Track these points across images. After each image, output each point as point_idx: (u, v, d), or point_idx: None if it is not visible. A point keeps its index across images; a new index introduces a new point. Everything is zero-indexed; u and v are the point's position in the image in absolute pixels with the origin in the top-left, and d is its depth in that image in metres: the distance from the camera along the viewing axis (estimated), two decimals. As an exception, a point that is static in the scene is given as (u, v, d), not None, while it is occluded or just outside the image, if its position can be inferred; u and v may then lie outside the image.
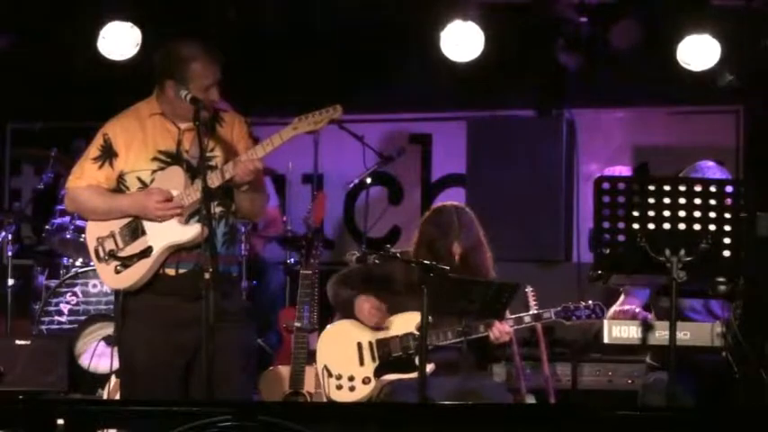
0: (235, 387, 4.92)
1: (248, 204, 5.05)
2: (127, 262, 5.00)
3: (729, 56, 7.54)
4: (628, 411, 3.99)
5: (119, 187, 5.08)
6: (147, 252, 4.97)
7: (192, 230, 4.92)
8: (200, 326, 4.69)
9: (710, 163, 6.12)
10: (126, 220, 5.02)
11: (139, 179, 5.02)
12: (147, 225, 4.99)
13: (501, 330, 5.82)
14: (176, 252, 4.97)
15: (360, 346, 5.96)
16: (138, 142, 5.03)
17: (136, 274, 4.99)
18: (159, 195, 4.94)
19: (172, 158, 5.01)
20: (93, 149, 5.09)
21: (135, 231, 5.00)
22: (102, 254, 5.06)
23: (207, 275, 4.63)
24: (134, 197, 5.01)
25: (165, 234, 4.95)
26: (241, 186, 4.95)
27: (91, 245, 5.10)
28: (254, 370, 5.42)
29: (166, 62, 5.05)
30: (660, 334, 5.45)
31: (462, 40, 7.67)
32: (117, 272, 5.02)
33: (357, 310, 5.92)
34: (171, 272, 4.98)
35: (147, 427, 3.81)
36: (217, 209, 4.97)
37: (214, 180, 4.89)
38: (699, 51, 7.52)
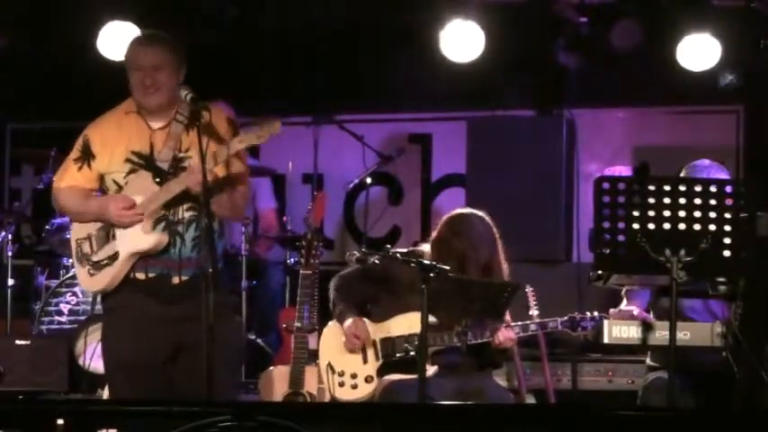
0: (222, 381, 4.82)
1: (217, 209, 4.93)
2: (98, 266, 5.04)
3: (729, 56, 7.54)
4: (628, 411, 3.99)
5: (101, 187, 5.12)
6: (114, 257, 5.00)
7: (153, 238, 4.94)
8: (181, 322, 4.87)
9: (706, 162, 6.12)
10: (101, 224, 5.05)
11: (115, 182, 5.04)
12: (117, 230, 5.01)
13: (505, 336, 5.85)
14: (143, 257, 4.98)
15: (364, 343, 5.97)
16: (112, 142, 5.04)
17: (106, 278, 5.03)
18: (122, 202, 4.95)
19: (144, 161, 5.00)
20: (75, 150, 5.12)
21: (107, 235, 5.03)
22: (79, 255, 5.12)
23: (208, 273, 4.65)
24: (101, 202, 5.04)
25: (130, 241, 4.97)
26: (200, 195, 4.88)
27: (73, 245, 5.17)
28: (237, 364, 5.39)
29: None
30: (660, 334, 5.44)
31: (462, 40, 7.67)
32: (90, 275, 5.08)
33: (344, 328, 5.94)
34: (141, 276, 5.00)
35: (147, 427, 3.81)
36: (186, 213, 4.97)
37: (173, 187, 4.90)
38: (699, 51, 7.51)
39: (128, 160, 5.01)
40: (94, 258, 5.04)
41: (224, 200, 5.00)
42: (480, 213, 6.08)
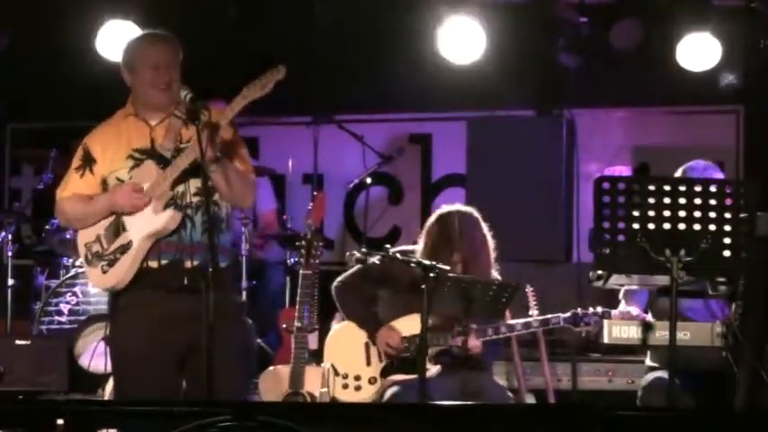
0: (227, 383, 4.85)
1: (224, 186, 4.99)
2: (111, 259, 5.05)
3: (729, 56, 7.54)
4: (628, 411, 3.99)
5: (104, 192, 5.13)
6: (127, 246, 5.02)
7: (163, 217, 4.97)
8: (190, 322, 4.79)
9: (702, 163, 6.13)
10: (108, 222, 5.07)
11: (118, 179, 5.06)
12: (126, 221, 5.03)
13: (472, 344, 5.83)
14: (156, 243, 5.00)
15: (367, 346, 6.00)
16: (113, 145, 5.09)
17: (121, 270, 5.03)
18: (129, 187, 5.00)
19: (146, 155, 5.06)
20: (76, 160, 5.17)
21: (117, 230, 5.05)
22: (90, 257, 5.12)
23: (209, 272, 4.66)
24: (107, 195, 5.07)
25: (142, 225, 5.00)
26: (209, 167, 4.91)
27: (81, 252, 5.18)
28: (248, 365, 5.40)
29: (122, 54, 5.18)
30: (660, 334, 5.44)
31: (463, 40, 7.67)
32: (104, 271, 5.08)
33: (378, 341, 5.97)
34: (154, 264, 5.02)
35: (147, 427, 3.81)
36: (194, 198, 4.99)
37: (179, 163, 4.94)
38: (699, 51, 7.52)
39: (130, 157, 5.05)
40: (106, 253, 5.05)
41: (231, 175, 4.99)
42: (466, 209, 6.07)
